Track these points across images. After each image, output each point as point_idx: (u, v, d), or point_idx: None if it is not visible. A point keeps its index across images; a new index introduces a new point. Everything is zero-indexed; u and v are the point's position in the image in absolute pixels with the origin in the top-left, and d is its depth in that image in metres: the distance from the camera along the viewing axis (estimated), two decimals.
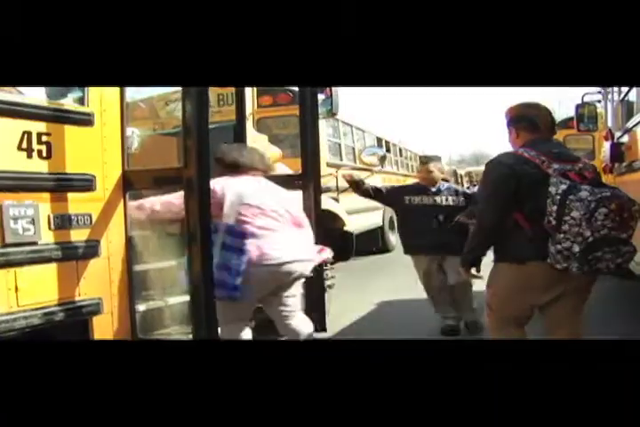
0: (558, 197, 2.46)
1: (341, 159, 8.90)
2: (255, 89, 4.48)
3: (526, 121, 2.83)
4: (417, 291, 5.31)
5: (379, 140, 11.53)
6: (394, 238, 11.21)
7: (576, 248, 2.41)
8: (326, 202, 4.91)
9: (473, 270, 2.84)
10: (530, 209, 2.60)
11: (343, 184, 5.47)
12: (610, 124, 6.24)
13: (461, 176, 25.32)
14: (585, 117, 6.60)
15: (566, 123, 10.08)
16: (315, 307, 3.73)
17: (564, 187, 2.47)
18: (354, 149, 9.72)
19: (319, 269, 3.77)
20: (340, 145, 9.03)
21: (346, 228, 5.94)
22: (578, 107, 6.74)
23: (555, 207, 2.47)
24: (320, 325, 3.71)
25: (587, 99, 7.29)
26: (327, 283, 4.78)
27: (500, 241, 2.72)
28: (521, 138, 2.84)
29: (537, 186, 2.56)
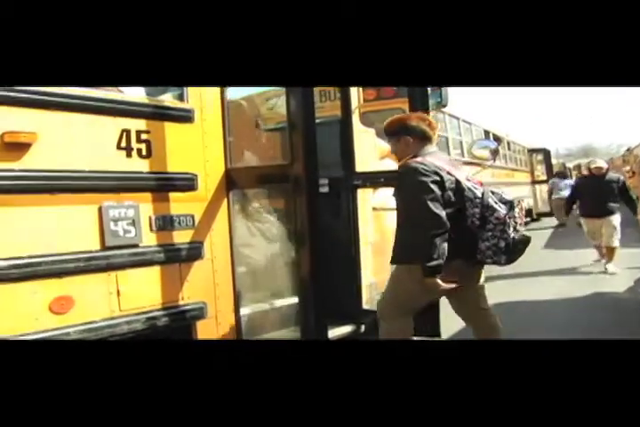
0: (478, 201, 2.74)
1: (449, 154, 8.56)
2: None
3: (419, 131, 2.90)
4: (520, 296, 5.05)
5: (486, 133, 11.06)
6: None
7: (502, 244, 2.72)
8: None
9: (439, 277, 2.74)
10: (451, 213, 2.72)
11: None
12: None
13: (570, 169, 24.19)
14: None
15: None
16: (428, 311, 3.50)
17: (480, 191, 2.77)
18: (461, 142, 9.33)
19: None
20: (447, 139, 8.69)
21: None
22: None
23: (477, 209, 2.74)
24: (434, 329, 3.48)
25: None
26: None
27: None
28: (414, 146, 2.89)
29: (454, 191, 2.76)
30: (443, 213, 2.67)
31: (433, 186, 2.69)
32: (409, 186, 2.78)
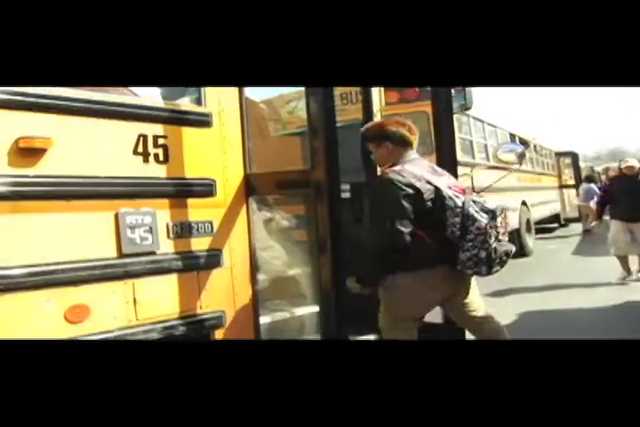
0: (459, 210, 2.68)
1: (473, 157, 8.43)
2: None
3: (399, 137, 2.87)
4: (555, 299, 4.91)
5: (512, 136, 10.90)
6: (531, 242, 10.53)
7: (482, 254, 2.67)
8: None
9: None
10: (431, 222, 2.72)
11: (479, 184, 5.10)
12: None
13: (598, 173, 23.86)
14: None
15: None
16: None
17: (461, 200, 2.71)
18: (486, 146, 9.20)
19: None
20: (471, 142, 8.57)
21: None
22: None
23: (457, 219, 2.68)
24: (459, 333, 3.40)
25: None
26: None
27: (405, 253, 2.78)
28: (395, 152, 2.87)
29: (434, 200, 2.73)
30: (407, 230, 2.68)
31: (405, 201, 2.69)
32: (382, 198, 2.78)
